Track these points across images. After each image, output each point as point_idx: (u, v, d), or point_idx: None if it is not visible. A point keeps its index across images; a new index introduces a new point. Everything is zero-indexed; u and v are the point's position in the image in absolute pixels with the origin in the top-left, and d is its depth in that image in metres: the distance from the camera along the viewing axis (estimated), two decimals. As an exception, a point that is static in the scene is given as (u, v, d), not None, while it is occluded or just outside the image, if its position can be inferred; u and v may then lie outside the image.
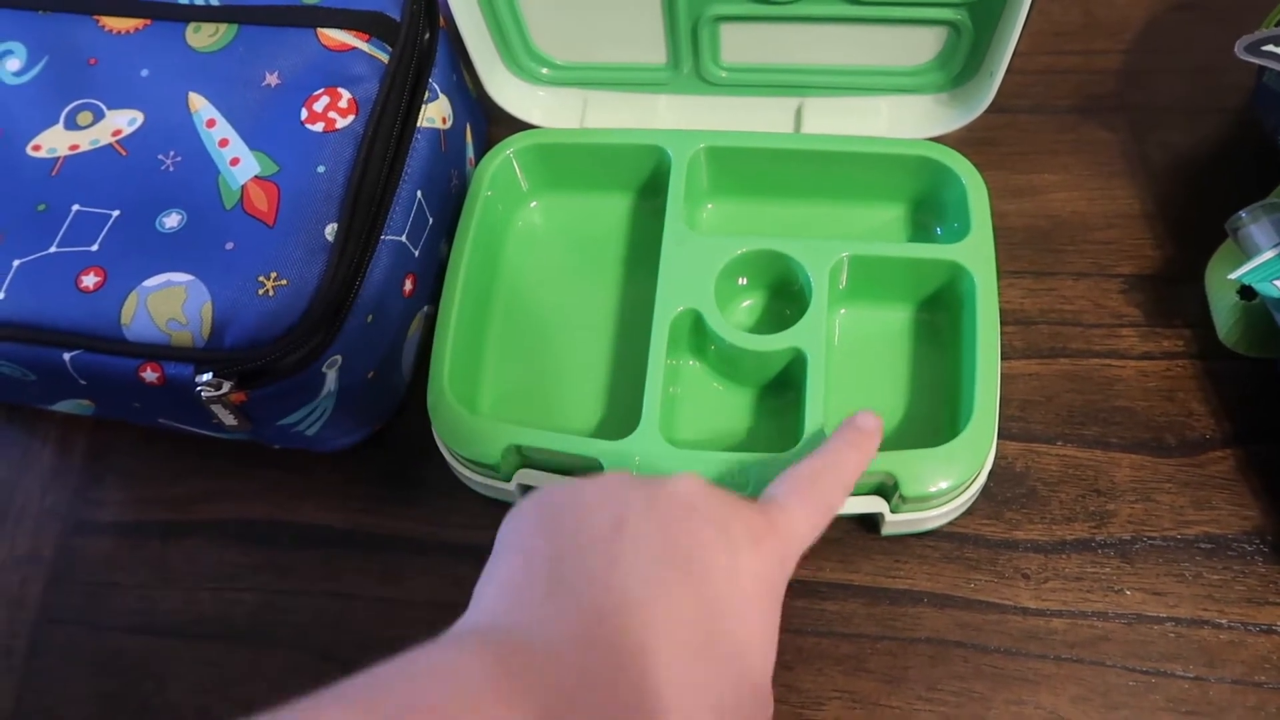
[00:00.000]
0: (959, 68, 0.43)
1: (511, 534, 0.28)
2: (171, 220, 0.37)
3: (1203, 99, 0.46)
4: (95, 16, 0.41)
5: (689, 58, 0.44)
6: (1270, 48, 0.38)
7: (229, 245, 0.36)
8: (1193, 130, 0.46)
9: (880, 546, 0.38)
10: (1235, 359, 0.39)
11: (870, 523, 0.38)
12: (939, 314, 0.41)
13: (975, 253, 0.39)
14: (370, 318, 0.38)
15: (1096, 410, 0.40)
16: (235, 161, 0.38)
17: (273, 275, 0.35)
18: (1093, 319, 0.42)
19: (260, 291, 0.35)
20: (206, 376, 0.35)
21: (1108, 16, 0.48)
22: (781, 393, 0.40)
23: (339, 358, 0.37)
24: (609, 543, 0.26)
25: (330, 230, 0.36)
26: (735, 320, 0.41)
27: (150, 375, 0.35)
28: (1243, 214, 0.38)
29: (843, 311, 0.41)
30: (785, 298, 0.41)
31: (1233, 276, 0.36)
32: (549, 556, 0.26)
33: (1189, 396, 0.40)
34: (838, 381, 0.40)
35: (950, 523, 0.38)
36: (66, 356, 0.35)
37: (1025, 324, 0.42)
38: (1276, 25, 0.41)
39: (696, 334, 0.40)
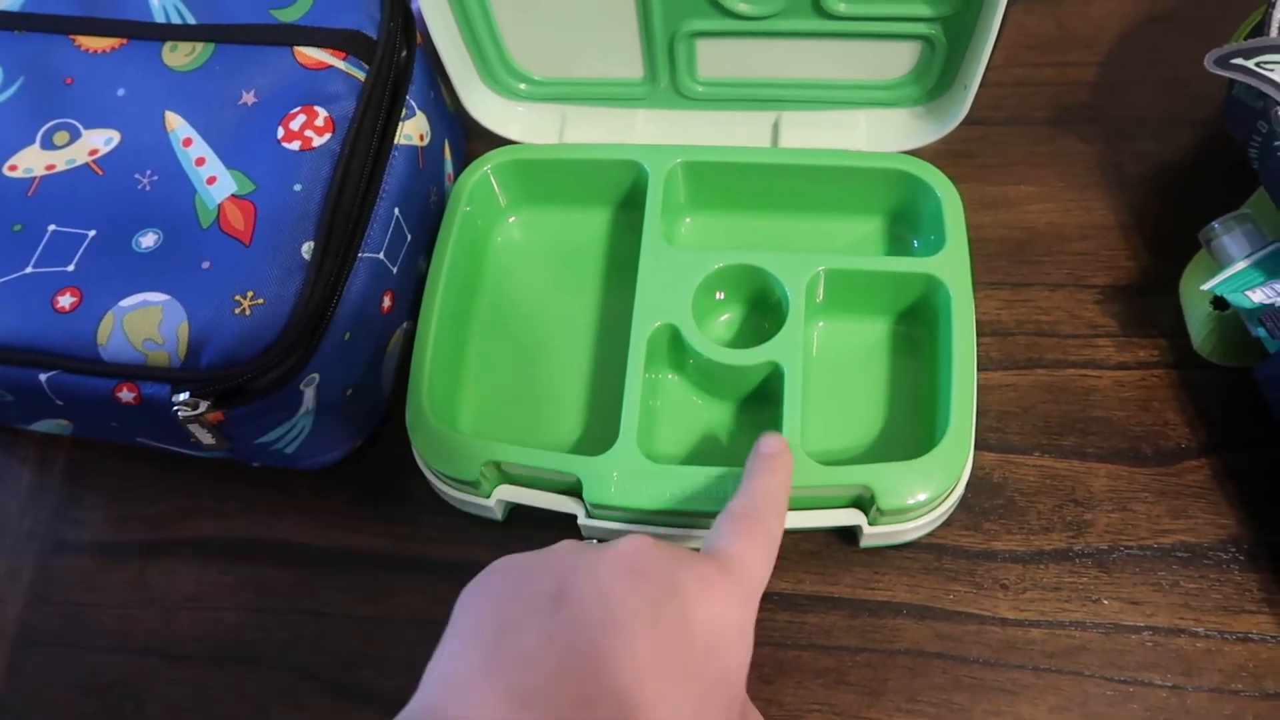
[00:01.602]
0: (934, 81, 0.43)
1: (459, 610, 0.27)
2: (148, 240, 0.37)
3: (1176, 110, 0.47)
4: (71, 36, 0.41)
5: (666, 73, 0.44)
6: (1239, 61, 0.38)
7: (205, 264, 0.36)
8: (1166, 141, 0.46)
9: (859, 559, 0.38)
10: (1210, 368, 0.40)
11: (849, 535, 0.38)
12: (916, 326, 0.41)
13: (951, 265, 0.39)
14: (348, 335, 0.38)
15: (1073, 420, 0.40)
16: (212, 180, 0.38)
17: (249, 294, 0.35)
18: (1069, 330, 0.42)
19: (237, 310, 0.35)
20: (183, 396, 0.35)
21: (1081, 28, 0.49)
22: (760, 406, 0.40)
23: (317, 376, 0.37)
24: (548, 616, 0.26)
25: (307, 249, 0.36)
26: (713, 334, 0.41)
27: (127, 395, 0.35)
28: (1215, 225, 0.39)
29: (820, 324, 0.42)
30: (763, 311, 0.41)
31: (1206, 288, 0.37)
32: (490, 630, 0.26)
33: (1165, 406, 0.40)
34: (816, 395, 0.40)
35: (929, 534, 0.38)
36: (43, 377, 0.35)
37: (1002, 335, 0.42)
38: (1246, 38, 0.41)
39: (675, 348, 0.40)
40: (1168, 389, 0.40)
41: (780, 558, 0.38)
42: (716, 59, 0.44)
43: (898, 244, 0.43)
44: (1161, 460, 0.39)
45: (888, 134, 0.44)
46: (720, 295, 0.41)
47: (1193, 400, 0.40)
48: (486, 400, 0.42)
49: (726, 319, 0.42)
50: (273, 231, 0.37)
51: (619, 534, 0.33)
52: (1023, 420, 0.40)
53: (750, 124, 0.46)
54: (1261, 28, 0.39)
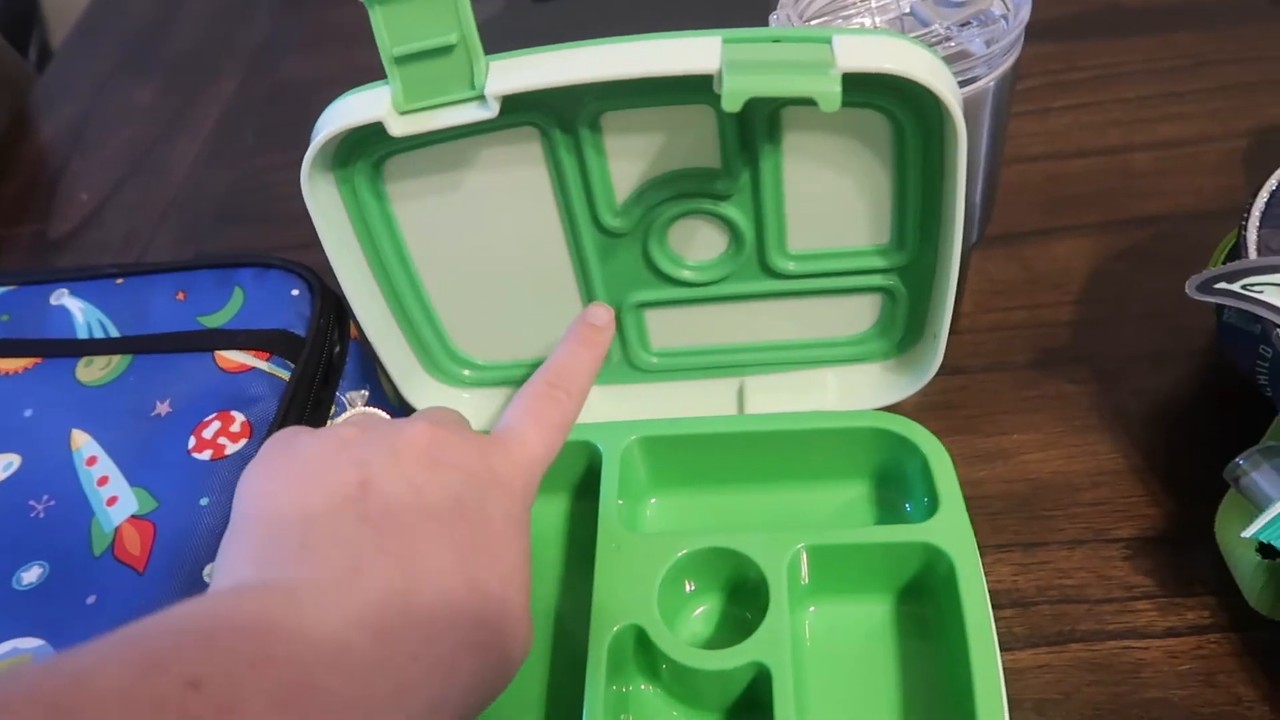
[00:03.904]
0: (901, 333, 0.40)
1: (251, 501, 0.27)
2: (30, 575, 0.33)
3: (1166, 343, 0.44)
4: (-15, 360, 0.39)
5: (617, 347, 0.42)
6: (1224, 285, 0.35)
7: (91, 599, 0.32)
8: (1163, 375, 0.43)
9: None
10: (1277, 626, 0.34)
11: None
12: (923, 604, 0.36)
13: (948, 529, 0.34)
14: (257, 669, 0.32)
15: (1126, 705, 0.33)
16: (112, 501, 0.34)
17: (136, 630, 0.30)
18: (1099, 593, 0.36)
19: (119, 652, 0.30)
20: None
21: (1048, 270, 0.47)
22: (752, 714, 0.34)
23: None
24: (357, 502, 0.26)
25: (209, 571, 0.32)
26: (689, 632, 0.36)
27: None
28: (1240, 461, 0.34)
29: (811, 610, 0.36)
30: (743, 601, 0.36)
31: (1247, 534, 0.31)
32: (295, 520, 0.26)
33: (1233, 679, 0.34)
34: (814, 694, 0.34)
35: None
36: None
37: (1023, 606, 0.36)
38: (1223, 262, 0.39)
39: (643, 653, 0.34)
40: (1232, 656, 0.34)
41: None
42: (669, 328, 0.42)
43: (889, 510, 0.39)
44: (1245, 750, 0.32)
45: (860, 391, 0.41)
46: (690, 586, 0.36)
47: (1265, 668, 0.34)
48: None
49: (702, 612, 0.37)
50: (172, 554, 0.32)
51: None
52: (1066, 709, 0.34)
53: (713, 392, 0.43)
54: (1237, 251, 0.37)
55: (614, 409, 0.42)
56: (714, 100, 0.31)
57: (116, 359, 0.38)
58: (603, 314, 0.37)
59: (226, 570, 0.26)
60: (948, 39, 0.37)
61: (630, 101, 0.33)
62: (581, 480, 0.40)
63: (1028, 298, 0.46)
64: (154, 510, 0.34)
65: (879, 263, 0.38)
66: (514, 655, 0.27)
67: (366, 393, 0.39)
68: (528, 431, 0.31)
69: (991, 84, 0.37)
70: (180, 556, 0.32)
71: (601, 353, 0.35)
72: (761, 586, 0.34)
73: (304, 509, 0.26)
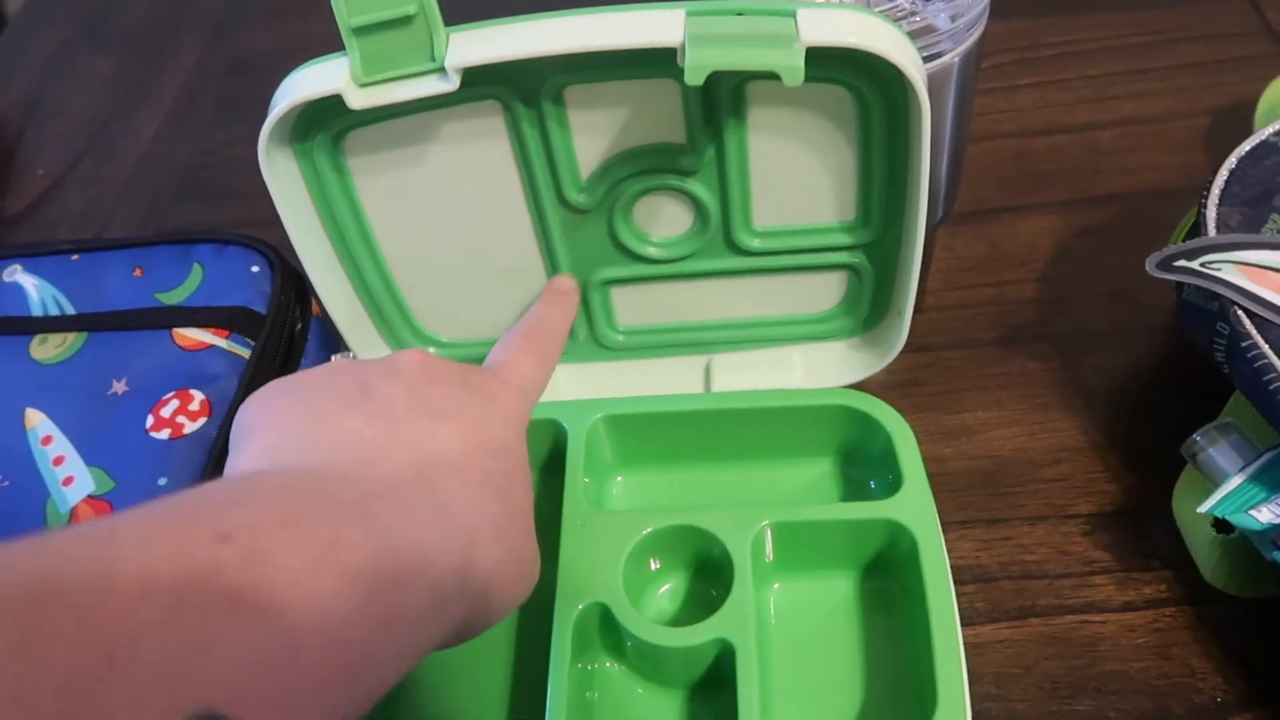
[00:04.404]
0: (866, 311, 0.40)
1: (253, 415, 0.27)
2: (-17, 556, 0.32)
3: (1128, 320, 0.44)
4: (-64, 339, 0.39)
5: (583, 325, 0.42)
6: (1183, 263, 0.36)
7: (46, 580, 0.31)
8: (1125, 353, 0.43)
9: None
10: (1231, 600, 0.34)
11: None
12: (887, 580, 0.36)
13: (911, 506, 0.35)
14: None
15: (1084, 678, 0.34)
16: (68, 481, 0.34)
17: (92, 612, 0.30)
18: (1059, 568, 0.37)
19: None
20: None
21: (1014, 247, 0.47)
22: (717, 691, 0.34)
23: None
24: (361, 405, 0.26)
25: (167, 551, 0.31)
26: (654, 610, 0.36)
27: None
28: (1198, 438, 0.35)
29: (776, 587, 0.36)
30: (708, 578, 0.36)
31: (1203, 509, 0.32)
32: (302, 422, 0.26)
33: (1187, 651, 0.34)
34: (778, 671, 0.34)
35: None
36: None
37: (985, 581, 0.37)
38: (1184, 240, 0.39)
39: (608, 631, 0.34)
40: (1186, 630, 0.35)
41: None
42: (635, 306, 0.41)
43: (853, 487, 0.39)
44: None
45: (826, 369, 0.41)
46: (656, 564, 0.36)
47: (1218, 641, 0.34)
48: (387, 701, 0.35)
49: (668, 590, 0.37)
50: (129, 534, 0.32)
51: None
52: (1026, 682, 0.34)
53: (679, 370, 0.43)
54: (1197, 229, 0.37)
55: (580, 387, 0.42)
56: (678, 74, 0.30)
57: (72, 336, 0.38)
58: (567, 282, 0.38)
59: (238, 469, 0.26)
60: (912, 13, 0.36)
61: (594, 75, 0.33)
62: (547, 459, 0.40)
63: (993, 275, 0.47)
64: (111, 490, 0.33)
65: (844, 240, 0.38)
66: (525, 559, 0.28)
67: (353, 354, 0.39)
68: (516, 360, 0.32)
69: (956, 59, 0.37)
70: (137, 537, 0.32)
71: (571, 314, 0.37)
72: (726, 564, 0.34)
73: (309, 414, 0.26)
